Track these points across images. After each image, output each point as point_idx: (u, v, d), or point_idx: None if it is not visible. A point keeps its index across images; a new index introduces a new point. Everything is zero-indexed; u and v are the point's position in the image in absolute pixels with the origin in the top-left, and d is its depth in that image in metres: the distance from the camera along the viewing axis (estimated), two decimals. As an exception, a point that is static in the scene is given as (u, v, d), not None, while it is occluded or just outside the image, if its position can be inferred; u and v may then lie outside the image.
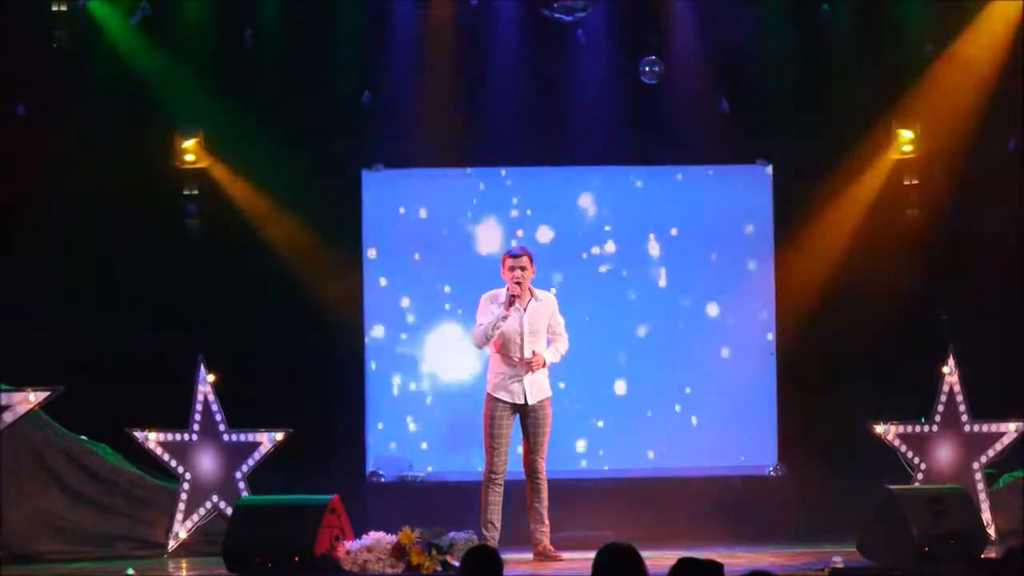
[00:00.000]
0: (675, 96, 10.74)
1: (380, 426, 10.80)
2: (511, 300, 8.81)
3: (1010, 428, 9.98)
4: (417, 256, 10.86)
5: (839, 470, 10.17)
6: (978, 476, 9.95)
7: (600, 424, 10.82)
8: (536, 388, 8.91)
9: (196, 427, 9.92)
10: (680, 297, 10.90)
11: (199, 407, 9.91)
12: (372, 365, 10.81)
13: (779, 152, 10.89)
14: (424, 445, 10.77)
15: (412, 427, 10.80)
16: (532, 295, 8.94)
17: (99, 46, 10.42)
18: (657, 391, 10.84)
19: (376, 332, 10.83)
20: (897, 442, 10.03)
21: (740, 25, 10.72)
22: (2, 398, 9.29)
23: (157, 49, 10.45)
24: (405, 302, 10.85)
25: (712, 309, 10.89)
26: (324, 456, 10.27)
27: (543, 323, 8.95)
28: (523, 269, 8.86)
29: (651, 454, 10.80)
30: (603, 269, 10.89)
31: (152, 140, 10.45)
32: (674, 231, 10.91)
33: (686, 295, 10.91)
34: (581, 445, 10.79)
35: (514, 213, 10.89)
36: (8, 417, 9.29)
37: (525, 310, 8.88)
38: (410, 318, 10.84)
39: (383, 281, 10.85)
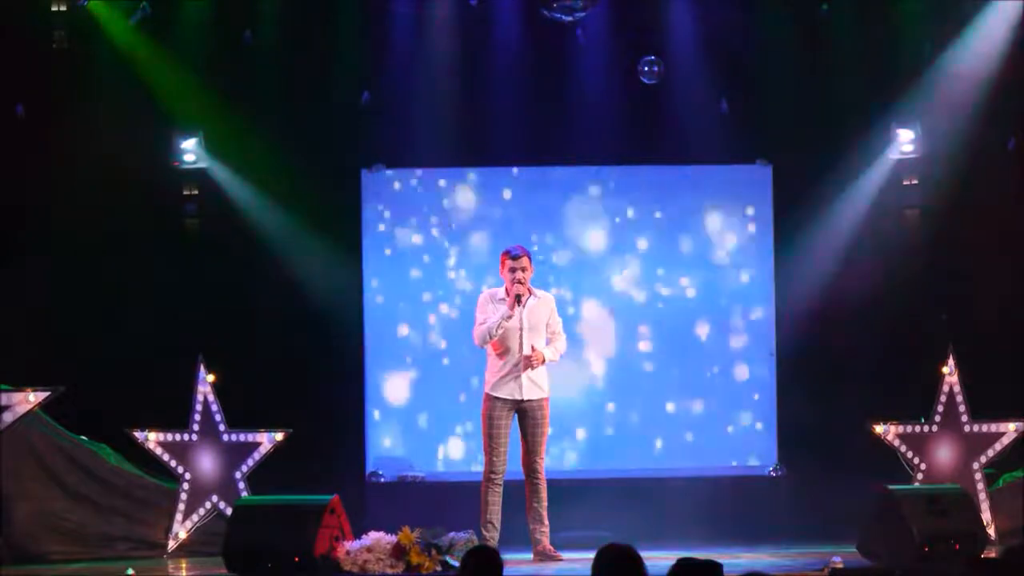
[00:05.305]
0: (675, 96, 10.74)
1: (380, 426, 10.80)
2: (518, 299, 8.81)
3: (1010, 428, 9.97)
4: (417, 256, 10.86)
5: (839, 470, 10.15)
6: (978, 476, 9.95)
7: (598, 424, 10.83)
8: (534, 385, 8.91)
9: (196, 427, 9.91)
10: (679, 297, 10.89)
11: (199, 407, 9.91)
12: (372, 365, 10.80)
13: (779, 152, 10.89)
14: (424, 445, 10.78)
15: (412, 427, 10.80)
16: (531, 293, 8.96)
17: (99, 46, 10.41)
18: (657, 391, 10.84)
19: (376, 332, 10.82)
20: (897, 442, 10.03)
21: (740, 25, 10.72)
22: (2, 398, 9.28)
23: (157, 49, 10.46)
24: (405, 302, 10.84)
25: (712, 309, 10.89)
26: (324, 456, 10.28)
27: (542, 320, 8.96)
28: (523, 270, 8.87)
29: (651, 454, 10.80)
30: (601, 268, 10.89)
31: (152, 140, 10.45)
32: (673, 231, 10.91)
33: (685, 295, 10.90)
34: (580, 445, 10.79)
35: (514, 213, 10.89)
36: (8, 417, 9.28)
37: (524, 307, 8.89)
38: (410, 318, 10.84)
39: (383, 281, 10.85)
